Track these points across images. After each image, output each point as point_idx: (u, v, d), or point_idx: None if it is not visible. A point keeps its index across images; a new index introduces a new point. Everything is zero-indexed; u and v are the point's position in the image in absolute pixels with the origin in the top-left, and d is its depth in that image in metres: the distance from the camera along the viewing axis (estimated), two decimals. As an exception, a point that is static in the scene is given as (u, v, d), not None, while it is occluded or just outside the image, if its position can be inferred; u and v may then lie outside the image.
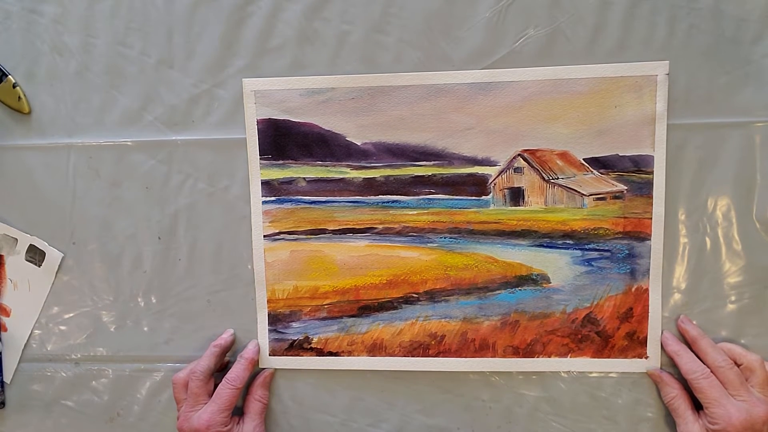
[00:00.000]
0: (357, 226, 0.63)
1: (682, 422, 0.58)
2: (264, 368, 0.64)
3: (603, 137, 0.60)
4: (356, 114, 0.62)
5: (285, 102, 0.62)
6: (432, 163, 0.62)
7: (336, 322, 0.64)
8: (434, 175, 0.62)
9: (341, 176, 0.63)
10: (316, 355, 0.64)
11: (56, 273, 0.66)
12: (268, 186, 0.63)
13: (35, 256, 0.66)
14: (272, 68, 0.62)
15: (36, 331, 0.68)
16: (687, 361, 0.58)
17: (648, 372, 0.61)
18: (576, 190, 0.61)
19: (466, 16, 0.60)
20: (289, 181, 0.63)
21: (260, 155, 0.63)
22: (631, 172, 0.60)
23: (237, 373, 0.61)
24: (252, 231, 0.64)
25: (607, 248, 0.61)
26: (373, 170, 0.62)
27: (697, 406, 0.58)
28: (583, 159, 0.60)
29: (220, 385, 0.60)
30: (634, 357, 0.61)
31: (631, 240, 0.61)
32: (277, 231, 0.64)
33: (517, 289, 0.62)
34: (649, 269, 0.61)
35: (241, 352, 0.63)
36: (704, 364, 0.58)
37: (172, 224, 0.65)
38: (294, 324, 0.64)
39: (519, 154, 0.61)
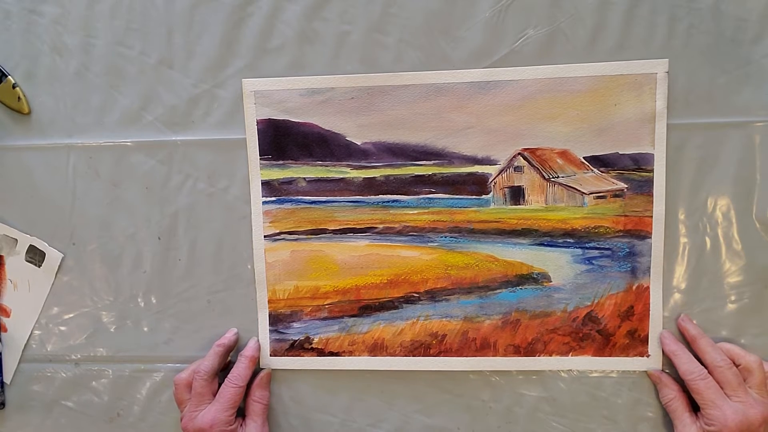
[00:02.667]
0: (357, 226, 0.63)
1: (680, 424, 0.58)
2: (262, 369, 0.64)
3: (603, 135, 0.60)
4: (356, 114, 0.62)
5: (285, 102, 0.62)
6: (432, 162, 0.62)
7: (337, 322, 0.64)
8: (434, 174, 0.62)
9: (341, 176, 0.63)
10: (317, 356, 0.64)
11: (56, 273, 0.66)
12: (268, 186, 0.63)
13: (35, 256, 0.66)
14: (272, 68, 0.62)
15: (36, 332, 0.67)
16: (684, 362, 0.58)
17: (648, 372, 0.61)
18: (576, 189, 0.61)
19: (466, 16, 0.60)
20: (289, 181, 0.63)
21: (260, 155, 0.63)
22: (631, 170, 0.60)
23: (239, 371, 0.61)
24: (252, 231, 0.64)
25: (607, 246, 0.61)
26: (373, 170, 0.62)
27: (695, 407, 0.58)
28: (583, 157, 0.60)
29: (223, 384, 0.60)
30: (635, 355, 0.61)
31: (632, 238, 0.60)
32: (277, 231, 0.64)
33: (518, 288, 0.62)
34: (649, 267, 0.61)
35: (242, 350, 0.63)
36: (703, 363, 0.58)
37: (172, 224, 0.65)
38: (295, 324, 0.64)
39: (519, 153, 0.61)
